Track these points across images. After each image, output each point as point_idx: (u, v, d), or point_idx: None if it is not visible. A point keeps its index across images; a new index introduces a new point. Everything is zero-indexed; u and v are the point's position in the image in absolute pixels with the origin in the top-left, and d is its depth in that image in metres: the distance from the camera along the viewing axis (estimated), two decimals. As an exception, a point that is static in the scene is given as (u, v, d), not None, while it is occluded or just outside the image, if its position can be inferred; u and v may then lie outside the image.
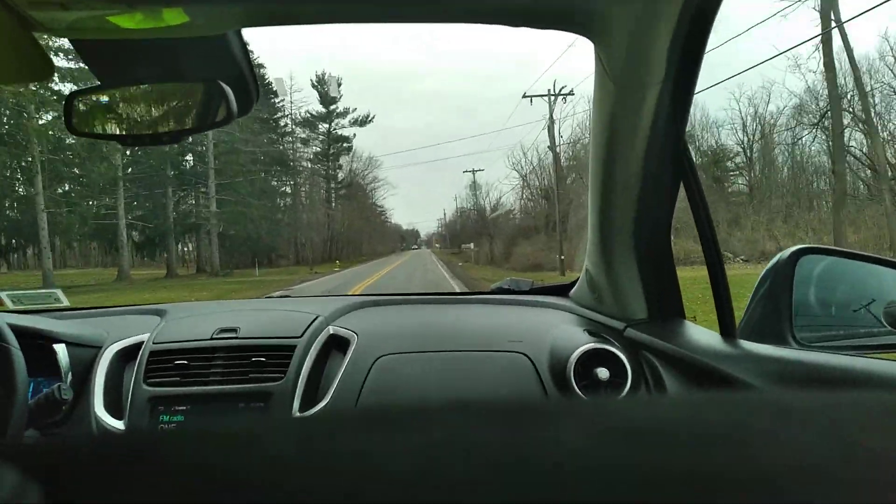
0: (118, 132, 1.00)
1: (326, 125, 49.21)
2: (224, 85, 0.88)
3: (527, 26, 0.90)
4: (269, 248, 36.92)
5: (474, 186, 42.42)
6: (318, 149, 49.42)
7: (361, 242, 54.52)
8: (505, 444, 0.25)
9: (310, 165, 47.92)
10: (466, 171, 43.31)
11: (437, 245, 76.90)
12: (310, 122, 47.31)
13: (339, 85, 48.15)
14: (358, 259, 47.02)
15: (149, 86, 0.94)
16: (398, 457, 0.24)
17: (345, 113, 50.09)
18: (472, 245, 44.35)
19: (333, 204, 49.55)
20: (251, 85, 0.92)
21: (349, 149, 51.65)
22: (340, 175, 51.96)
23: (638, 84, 1.01)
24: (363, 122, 50.41)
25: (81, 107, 0.96)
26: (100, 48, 0.86)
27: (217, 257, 30.52)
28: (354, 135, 50.69)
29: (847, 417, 0.28)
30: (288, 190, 43.87)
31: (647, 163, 1.12)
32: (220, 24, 0.78)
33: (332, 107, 49.45)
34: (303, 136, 46.89)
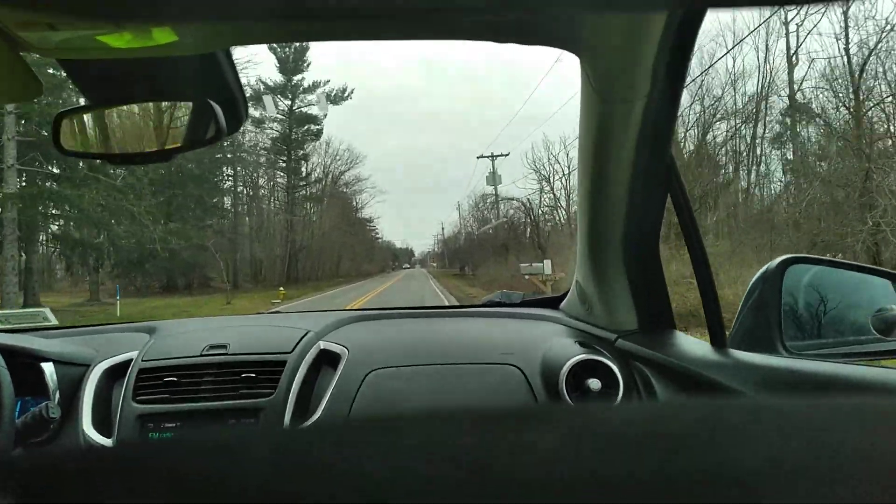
0: (107, 151, 1.00)
1: (288, 102, 35.71)
2: (213, 103, 0.88)
3: (513, 42, 0.91)
4: (187, 267, 25.26)
5: (493, 178, 29.22)
6: (276, 132, 35.76)
7: (340, 259, 42.28)
8: (493, 449, 0.25)
9: (260, 155, 34.42)
10: (482, 157, 30.62)
11: (433, 264, 66.45)
12: (262, 94, 33.35)
13: (307, 62, 35.20)
14: (330, 282, 34.23)
15: (137, 105, 0.94)
16: (387, 464, 0.24)
17: (313, 87, 36.09)
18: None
19: (297, 208, 36.29)
20: (240, 102, 0.93)
21: (318, 134, 37.41)
22: (306, 169, 38.31)
23: (624, 98, 1.02)
24: (339, 98, 36.37)
25: (69, 126, 0.96)
26: (88, 67, 0.86)
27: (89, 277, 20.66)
28: (325, 115, 36.40)
29: (832, 420, 0.28)
30: (229, 186, 31.79)
31: (634, 175, 1.13)
32: (209, 43, 0.79)
33: (297, 78, 35.74)
34: (255, 114, 32.87)
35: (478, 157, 31.57)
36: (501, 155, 30.09)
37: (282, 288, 23.87)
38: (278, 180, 37.02)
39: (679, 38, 0.90)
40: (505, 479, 0.23)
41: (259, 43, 0.82)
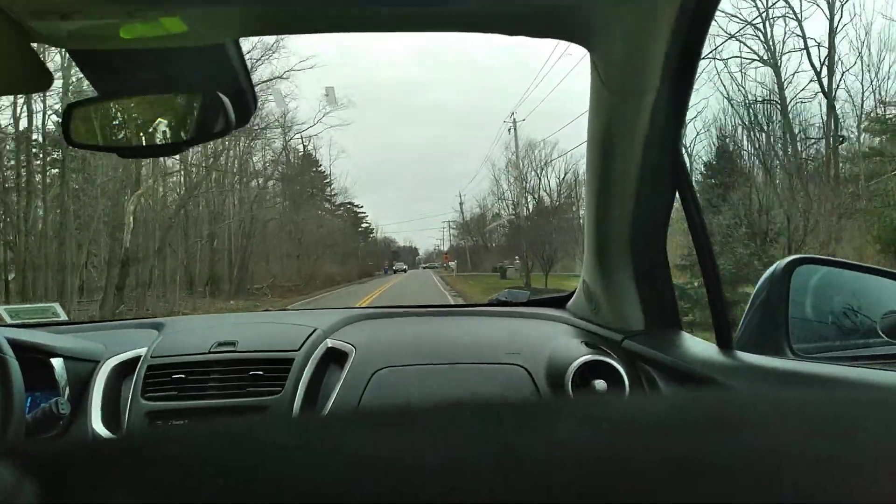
0: (116, 143, 1.00)
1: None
2: (222, 96, 0.88)
3: (522, 35, 0.91)
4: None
5: (516, 144, 23.39)
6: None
7: (303, 260, 26.58)
8: (499, 439, 0.25)
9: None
10: (506, 121, 24.63)
11: (450, 263, 40.13)
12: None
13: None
14: (257, 295, 20.37)
15: (147, 97, 0.95)
16: (395, 454, 0.24)
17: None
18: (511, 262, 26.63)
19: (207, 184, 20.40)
20: (249, 95, 0.93)
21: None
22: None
23: (633, 92, 1.02)
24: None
25: (80, 118, 0.96)
26: (98, 58, 0.87)
27: None
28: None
29: (834, 412, 0.28)
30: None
31: (642, 171, 1.12)
32: (218, 32, 0.79)
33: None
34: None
35: (504, 121, 25.94)
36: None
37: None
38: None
39: (691, 30, 0.89)
40: (519, 467, 0.23)
41: (267, 34, 0.83)
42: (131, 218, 15.48)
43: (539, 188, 29.21)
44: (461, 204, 44.27)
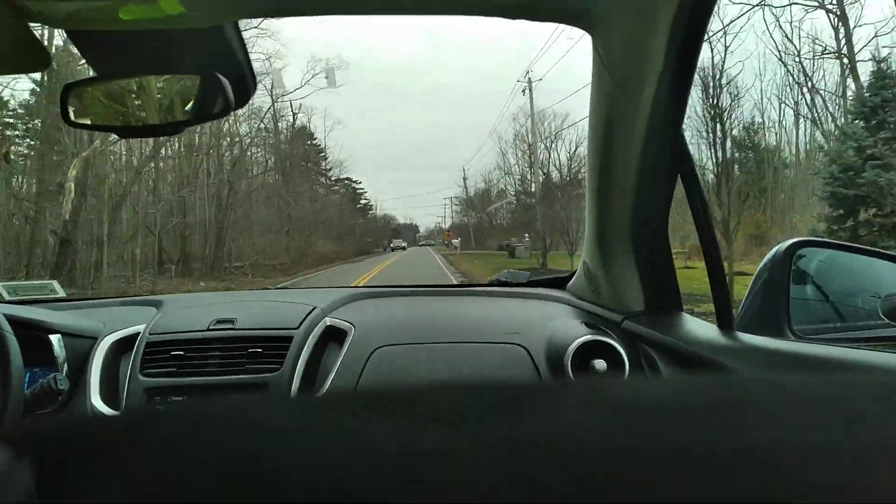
0: (115, 123, 1.00)
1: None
2: (221, 77, 0.87)
3: (525, 18, 0.90)
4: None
5: (532, 107, 21.63)
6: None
7: (293, 237, 24.31)
8: (499, 420, 0.25)
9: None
10: (521, 81, 24.07)
11: (454, 241, 35.89)
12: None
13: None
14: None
15: (146, 77, 0.94)
16: (394, 437, 0.24)
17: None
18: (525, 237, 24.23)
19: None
20: (248, 76, 0.92)
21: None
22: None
23: (635, 77, 1.01)
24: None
25: (78, 98, 0.95)
26: (96, 39, 0.85)
27: None
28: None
29: (834, 396, 0.28)
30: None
31: (644, 155, 1.12)
32: (216, 14, 0.78)
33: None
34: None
35: (518, 81, 24.98)
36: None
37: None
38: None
39: (693, 16, 0.88)
40: (519, 452, 0.23)
41: (266, 16, 0.81)
42: (72, 185, 13.14)
43: (549, 161, 27.78)
44: (465, 179, 43.73)
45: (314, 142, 31.84)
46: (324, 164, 33.38)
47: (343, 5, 0.81)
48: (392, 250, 43.64)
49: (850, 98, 13.17)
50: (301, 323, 1.47)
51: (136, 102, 0.96)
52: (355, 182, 40.39)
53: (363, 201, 45.03)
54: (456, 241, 35.52)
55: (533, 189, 27.22)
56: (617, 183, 1.21)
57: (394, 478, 0.22)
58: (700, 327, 1.16)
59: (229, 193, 20.49)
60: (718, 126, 12.15)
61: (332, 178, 35.34)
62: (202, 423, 0.28)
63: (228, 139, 21.63)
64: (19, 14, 0.68)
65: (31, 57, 0.75)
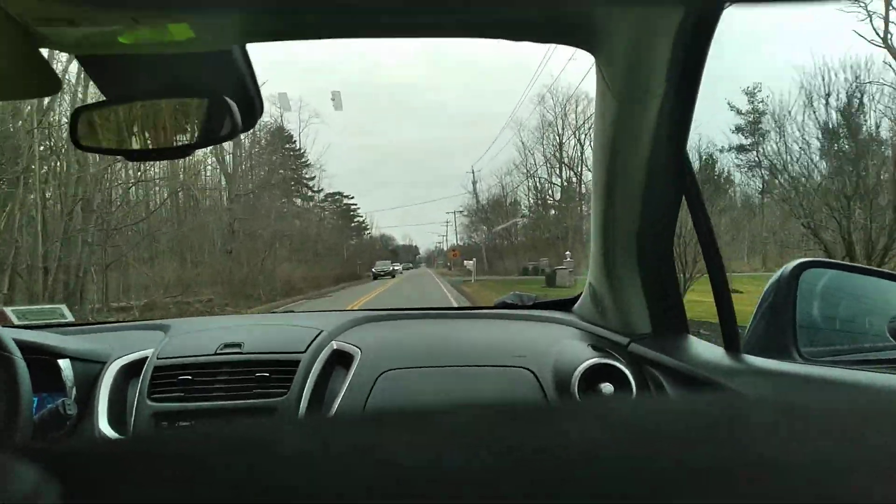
0: (123, 147, 1.01)
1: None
2: (229, 100, 0.89)
3: (528, 40, 0.91)
4: None
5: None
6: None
7: (243, 259, 18.32)
8: (509, 442, 0.25)
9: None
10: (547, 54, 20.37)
11: (466, 264, 27.35)
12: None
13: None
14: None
15: (154, 101, 0.95)
16: (405, 457, 0.24)
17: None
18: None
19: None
20: (255, 99, 0.93)
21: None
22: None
23: (639, 97, 1.02)
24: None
25: (87, 122, 0.97)
26: (106, 64, 0.87)
27: None
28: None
29: (841, 417, 0.28)
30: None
31: (649, 176, 1.12)
32: (224, 39, 0.79)
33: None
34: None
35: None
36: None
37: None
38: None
39: (696, 35, 0.89)
40: (529, 470, 0.23)
41: (273, 40, 0.83)
42: None
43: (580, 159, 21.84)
44: (474, 184, 33.90)
45: (292, 144, 26.89)
46: (304, 171, 28.27)
47: (348, 30, 0.83)
48: (375, 278, 30.51)
49: None
50: (308, 347, 1.47)
51: (146, 126, 0.97)
52: (347, 197, 35.01)
53: (358, 219, 39.20)
54: (469, 264, 26.31)
55: (583, 190, 21.93)
56: (621, 203, 1.22)
57: (411, 492, 0.22)
58: (707, 350, 1.15)
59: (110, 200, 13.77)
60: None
61: (315, 189, 29.78)
62: (210, 443, 0.28)
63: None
64: (29, 39, 0.70)
65: (41, 81, 0.77)
